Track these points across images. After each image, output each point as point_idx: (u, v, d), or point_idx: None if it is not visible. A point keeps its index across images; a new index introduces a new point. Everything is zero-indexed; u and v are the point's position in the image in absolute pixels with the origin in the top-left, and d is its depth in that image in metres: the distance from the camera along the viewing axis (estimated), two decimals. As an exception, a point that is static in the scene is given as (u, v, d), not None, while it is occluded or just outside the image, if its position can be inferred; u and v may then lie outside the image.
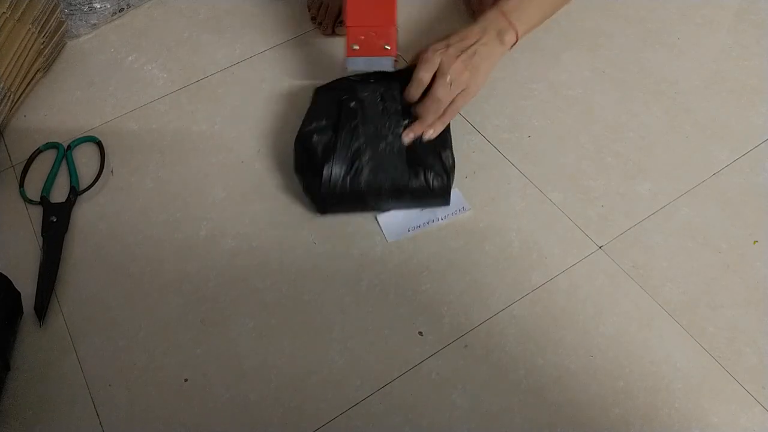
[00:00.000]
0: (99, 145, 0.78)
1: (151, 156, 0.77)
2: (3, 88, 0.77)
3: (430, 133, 0.69)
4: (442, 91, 0.67)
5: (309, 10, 0.92)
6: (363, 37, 0.72)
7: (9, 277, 0.63)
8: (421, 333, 0.62)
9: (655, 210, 0.70)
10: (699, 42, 0.86)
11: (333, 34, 0.89)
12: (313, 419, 0.57)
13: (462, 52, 0.68)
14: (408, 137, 0.68)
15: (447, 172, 0.68)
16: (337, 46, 0.88)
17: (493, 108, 0.79)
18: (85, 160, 0.78)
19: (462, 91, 0.68)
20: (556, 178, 0.73)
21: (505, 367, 0.60)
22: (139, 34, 0.91)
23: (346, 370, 0.60)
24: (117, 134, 0.80)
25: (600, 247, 0.67)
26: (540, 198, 0.71)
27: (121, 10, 0.93)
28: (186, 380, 0.60)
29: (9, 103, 0.80)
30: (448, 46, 0.69)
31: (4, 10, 0.77)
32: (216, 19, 0.92)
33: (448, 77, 0.67)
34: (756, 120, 0.77)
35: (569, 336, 0.61)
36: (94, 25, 0.92)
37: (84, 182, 0.75)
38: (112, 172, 0.76)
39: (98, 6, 0.90)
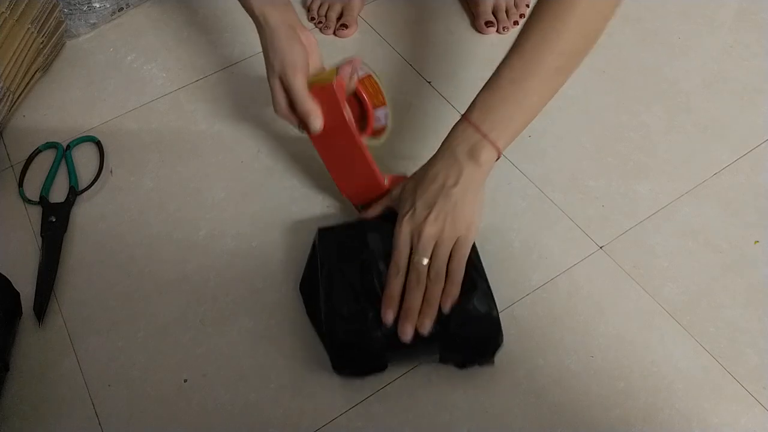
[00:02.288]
0: (98, 144, 0.78)
1: (150, 156, 0.77)
2: (2, 88, 0.77)
3: (426, 325, 0.55)
4: (416, 277, 0.55)
5: (308, 11, 0.92)
6: (368, 198, 0.66)
7: (8, 278, 0.63)
8: (421, 333, 0.62)
9: (656, 210, 0.70)
10: (699, 42, 0.86)
11: (334, 34, 0.89)
12: (313, 419, 0.57)
13: (430, 208, 0.56)
14: (405, 335, 0.55)
15: (487, 308, 0.57)
16: (337, 46, 0.88)
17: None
18: (85, 160, 0.77)
19: (454, 247, 0.57)
20: (557, 178, 0.72)
21: (506, 367, 0.59)
22: (138, 34, 0.91)
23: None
24: (116, 134, 0.80)
25: (601, 247, 0.67)
26: (540, 198, 0.71)
27: (121, 9, 0.93)
28: (185, 380, 0.60)
29: (8, 103, 0.79)
30: (413, 207, 0.57)
31: (3, 10, 0.77)
32: (215, 18, 0.92)
33: (421, 257, 0.56)
34: (757, 120, 0.77)
35: (570, 336, 0.61)
36: (94, 24, 0.92)
37: (83, 182, 0.75)
38: (111, 172, 0.76)
39: (97, 5, 0.90)
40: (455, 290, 0.56)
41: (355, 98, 0.65)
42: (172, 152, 0.77)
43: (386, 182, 0.65)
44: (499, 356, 0.60)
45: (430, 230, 0.56)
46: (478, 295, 0.56)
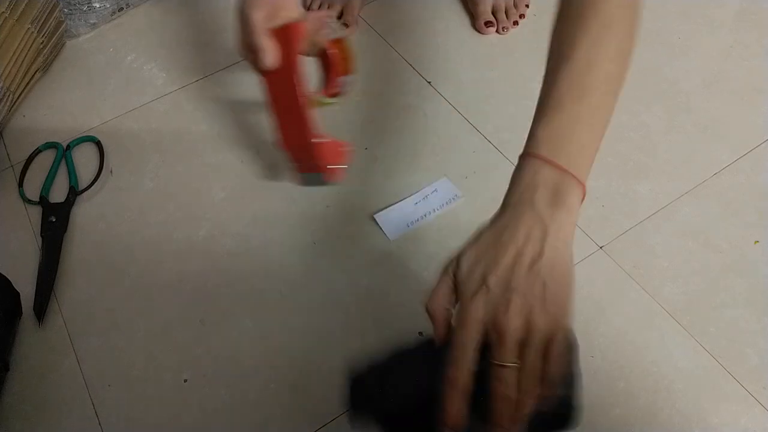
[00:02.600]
0: (98, 144, 0.78)
1: (150, 156, 0.77)
2: (2, 88, 0.77)
3: None
4: (504, 388, 0.39)
5: (308, 11, 0.92)
6: (300, 156, 0.65)
7: (8, 278, 0.63)
8: (421, 333, 0.62)
9: (656, 210, 0.70)
10: (700, 42, 0.86)
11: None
12: (313, 419, 0.57)
13: (509, 291, 0.40)
14: None
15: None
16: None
17: (493, 108, 0.79)
18: (85, 160, 0.77)
19: (549, 344, 0.39)
20: (557, 178, 0.72)
21: (506, 367, 0.59)
22: (138, 34, 0.91)
23: (346, 370, 0.60)
24: (116, 134, 0.80)
25: (601, 247, 0.67)
26: (540, 198, 0.71)
27: (121, 9, 0.93)
28: (185, 380, 0.60)
29: (8, 103, 0.79)
30: (483, 286, 0.40)
31: (3, 10, 0.77)
32: (215, 18, 0.92)
33: (507, 361, 0.39)
34: (757, 120, 0.77)
35: (570, 336, 0.61)
36: (94, 24, 0.92)
37: (83, 182, 0.75)
38: (111, 171, 0.76)
39: (97, 5, 0.90)
40: (551, 393, 0.40)
41: (326, 57, 0.65)
42: (172, 152, 0.77)
43: (326, 141, 0.62)
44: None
45: (515, 323, 0.39)
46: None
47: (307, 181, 0.69)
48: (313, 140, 0.62)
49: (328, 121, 0.78)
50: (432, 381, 0.41)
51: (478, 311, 0.40)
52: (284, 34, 0.58)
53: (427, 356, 0.44)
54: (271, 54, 0.57)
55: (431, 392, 0.41)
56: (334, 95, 0.67)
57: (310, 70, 0.69)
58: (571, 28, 0.47)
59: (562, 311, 0.40)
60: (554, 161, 0.42)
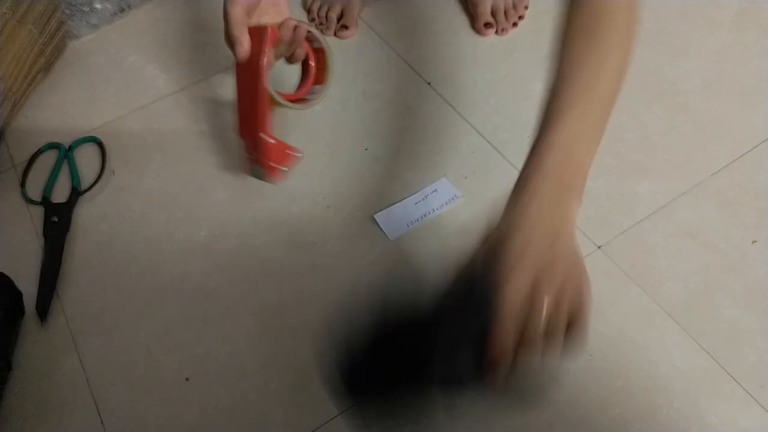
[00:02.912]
0: (100, 145, 0.79)
1: (152, 156, 0.77)
2: (4, 89, 0.77)
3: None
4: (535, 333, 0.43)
5: (308, 13, 0.92)
6: (250, 148, 0.69)
7: (11, 277, 0.63)
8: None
9: (655, 210, 0.70)
10: (699, 42, 0.86)
11: (334, 35, 0.89)
12: (314, 418, 0.58)
13: (543, 263, 0.44)
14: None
15: None
16: (337, 46, 0.88)
17: (493, 108, 0.79)
18: (86, 160, 0.78)
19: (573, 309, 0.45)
20: (556, 178, 0.72)
21: (505, 366, 0.60)
22: (140, 35, 0.92)
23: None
24: (118, 134, 0.80)
25: (599, 247, 0.67)
26: (540, 198, 0.71)
27: (122, 10, 0.93)
28: (187, 379, 0.60)
29: (10, 104, 0.80)
30: (523, 252, 0.44)
31: (5, 11, 0.77)
32: (217, 19, 0.92)
33: (539, 324, 0.43)
34: (756, 120, 0.77)
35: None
36: (95, 25, 0.92)
37: (85, 182, 0.75)
38: (113, 172, 0.76)
39: (99, 6, 0.90)
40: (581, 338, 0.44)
41: (304, 64, 0.70)
42: (173, 153, 0.78)
43: (273, 142, 0.66)
44: (499, 356, 0.60)
45: (548, 288, 0.43)
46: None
47: (253, 173, 0.72)
48: (261, 135, 0.66)
49: (327, 120, 0.78)
50: (420, 349, 0.46)
51: (520, 278, 0.43)
52: (257, 33, 0.64)
53: (405, 329, 0.49)
54: (242, 47, 0.64)
55: (421, 360, 0.45)
56: (299, 101, 0.70)
57: (291, 75, 0.71)
58: (575, 50, 0.52)
59: (586, 278, 0.46)
60: (558, 177, 0.47)
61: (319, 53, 0.69)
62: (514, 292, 0.43)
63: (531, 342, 0.43)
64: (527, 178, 0.49)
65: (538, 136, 0.50)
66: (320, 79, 0.70)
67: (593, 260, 0.66)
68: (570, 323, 0.45)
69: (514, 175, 0.73)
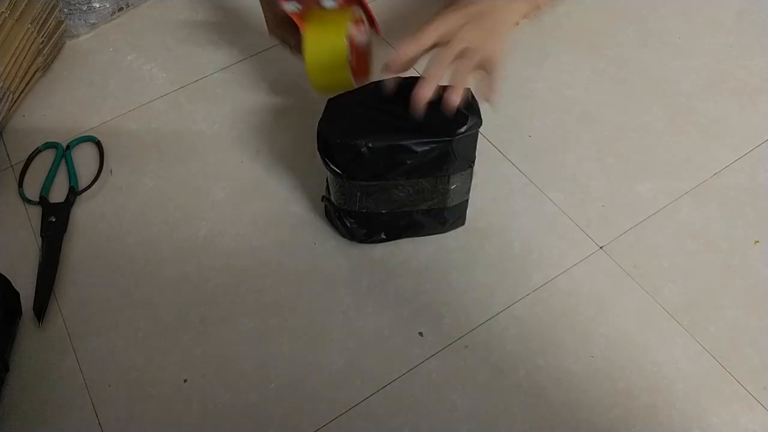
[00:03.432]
0: (98, 144, 0.78)
1: (150, 156, 0.77)
2: (2, 88, 0.77)
3: (454, 100, 0.55)
4: (449, 49, 0.55)
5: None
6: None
7: (8, 278, 0.63)
8: (421, 333, 0.62)
9: (656, 210, 0.69)
10: (700, 42, 0.86)
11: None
12: (313, 419, 0.57)
13: (468, 18, 0.57)
14: (420, 97, 0.55)
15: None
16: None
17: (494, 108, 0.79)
18: (84, 160, 0.77)
19: (486, 58, 0.57)
20: (557, 178, 0.72)
21: (506, 367, 0.59)
22: (138, 34, 0.91)
23: (346, 370, 0.60)
24: (116, 134, 0.80)
25: (601, 248, 0.67)
26: (540, 198, 0.71)
27: (120, 9, 0.93)
28: (185, 381, 0.60)
29: (8, 103, 0.79)
30: (457, 9, 0.57)
31: (3, 10, 0.77)
32: (215, 18, 0.92)
33: (457, 42, 0.55)
34: (757, 120, 0.77)
35: (570, 337, 0.61)
36: (93, 24, 0.92)
37: (83, 182, 0.75)
38: (111, 172, 0.76)
39: (97, 5, 0.90)
40: (497, 84, 0.56)
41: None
42: (171, 152, 0.77)
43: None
44: (500, 357, 0.60)
45: (466, 31, 0.55)
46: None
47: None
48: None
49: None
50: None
51: (446, 18, 0.56)
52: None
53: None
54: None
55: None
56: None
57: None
58: None
59: (502, 45, 0.57)
60: None
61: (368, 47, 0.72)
62: (435, 24, 0.56)
63: (439, 61, 0.54)
64: None
65: None
66: (361, 71, 0.71)
67: (595, 260, 0.66)
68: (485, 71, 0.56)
69: (515, 174, 0.73)
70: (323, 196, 0.68)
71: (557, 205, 0.70)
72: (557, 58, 0.84)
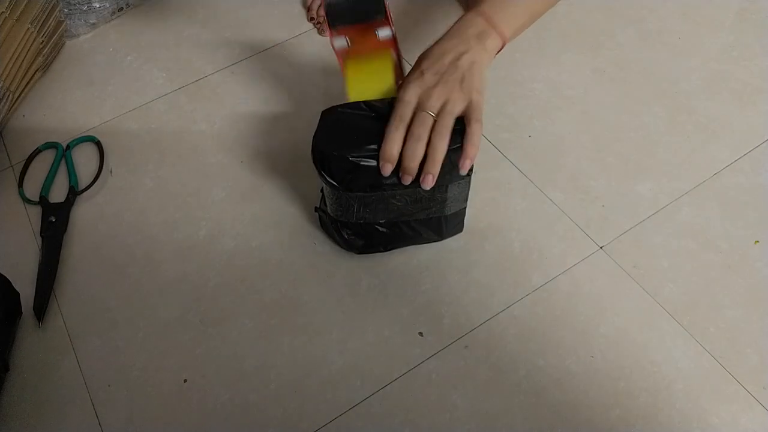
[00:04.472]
0: (98, 144, 0.78)
1: (150, 156, 0.77)
2: (2, 88, 0.77)
3: (429, 181, 0.56)
4: (419, 126, 0.55)
5: (308, 11, 0.92)
6: None
7: (8, 278, 0.63)
8: (421, 333, 0.62)
9: (656, 210, 0.69)
10: (700, 41, 0.86)
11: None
12: (313, 420, 0.57)
13: (439, 75, 0.57)
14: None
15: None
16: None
17: (493, 108, 0.79)
18: (84, 160, 0.77)
19: (467, 109, 0.57)
20: (557, 177, 0.72)
21: (506, 367, 0.59)
22: (138, 34, 0.91)
23: (345, 370, 0.60)
24: (116, 134, 0.80)
25: (601, 248, 0.67)
26: (540, 198, 0.71)
27: (121, 9, 0.93)
28: (185, 381, 0.60)
29: (8, 103, 0.79)
30: (421, 73, 0.57)
31: (3, 10, 0.77)
32: (215, 18, 0.92)
33: (428, 110, 0.56)
34: (757, 120, 0.77)
35: (570, 337, 0.61)
36: (93, 24, 0.92)
37: (83, 182, 0.75)
38: (111, 172, 0.76)
39: (97, 5, 0.90)
40: (473, 151, 0.56)
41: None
42: (172, 152, 0.77)
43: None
44: (500, 357, 0.60)
45: (440, 90, 0.55)
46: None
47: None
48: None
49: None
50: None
51: (415, 84, 0.57)
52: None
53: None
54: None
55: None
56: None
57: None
58: None
59: (478, 90, 0.56)
60: (490, 20, 0.59)
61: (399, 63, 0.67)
62: (407, 95, 0.56)
63: (416, 135, 0.55)
64: (464, 15, 0.61)
65: None
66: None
67: (594, 260, 0.66)
68: (466, 122, 0.56)
69: (515, 174, 0.73)
70: (316, 207, 0.67)
71: (557, 205, 0.70)
72: (557, 58, 0.84)
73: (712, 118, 0.77)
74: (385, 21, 0.62)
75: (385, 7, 0.62)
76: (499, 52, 0.60)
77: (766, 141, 0.75)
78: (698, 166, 0.73)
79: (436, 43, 0.60)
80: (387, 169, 0.56)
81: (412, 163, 0.55)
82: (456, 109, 0.56)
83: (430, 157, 0.55)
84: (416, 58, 0.60)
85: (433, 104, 0.56)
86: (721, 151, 0.74)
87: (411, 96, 0.56)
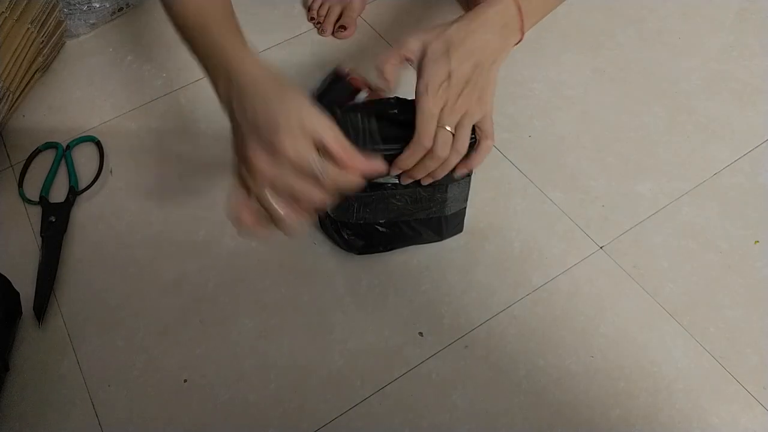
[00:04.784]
0: (98, 144, 0.78)
1: (150, 156, 0.77)
2: (2, 88, 0.77)
3: (428, 180, 0.57)
4: (442, 146, 0.54)
5: (308, 11, 0.92)
6: None
7: (8, 278, 0.62)
8: (421, 333, 0.62)
9: (656, 210, 0.69)
10: (700, 41, 0.86)
11: (332, 35, 0.89)
12: (313, 419, 0.57)
13: (466, 83, 0.54)
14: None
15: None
16: (335, 47, 0.88)
17: (494, 108, 0.79)
18: (84, 160, 0.77)
19: (480, 122, 0.57)
20: (557, 177, 0.72)
21: (506, 367, 0.59)
22: (138, 34, 0.91)
23: (346, 370, 0.60)
24: (116, 134, 0.79)
25: (601, 248, 0.67)
26: (540, 198, 0.71)
27: (120, 9, 0.93)
28: (185, 381, 0.60)
29: (8, 103, 0.79)
30: (449, 77, 0.53)
31: (3, 10, 0.77)
32: (215, 18, 0.92)
33: (448, 126, 0.54)
34: (757, 120, 0.77)
35: (570, 336, 0.61)
36: (93, 24, 0.92)
37: (83, 182, 0.75)
38: (111, 171, 0.76)
39: (97, 5, 0.90)
40: (478, 164, 0.57)
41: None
42: (171, 152, 0.77)
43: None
44: (500, 357, 0.60)
45: (461, 103, 0.54)
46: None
47: None
48: None
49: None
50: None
51: (443, 95, 0.54)
52: None
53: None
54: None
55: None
56: None
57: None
58: None
59: (490, 103, 0.56)
60: (519, 5, 0.55)
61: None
62: (434, 106, 0.53)
63: (437, 156, 0.54)
64: (482, 6, 0.56)
65: None
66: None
67: (595, 260, 0.66)
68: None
69: (515, 174, 0.73)
70: None
71: (557, 205, 0.70)
72: (557, 58, 0.84)
73: (712, 118, 0.77)
74: (355, 90, 0.62)
75: (352, 86, 0.62)
76: (516, 45, 0.58)
77: (766, 141, 0.75)
78: (698, 166, 0.73)
79: (462, 27, 0.54)
80: (395, 173, 0.56)
81: (422, 174, 0.56)
82: (473, 122, 0.56)
83: (442, 167, 0.56)
84: (443, 26, 0.55)
85: (454, 120, 0.55)
86: (721, 151, 0.74)
87: (436, 108, 0.54)
